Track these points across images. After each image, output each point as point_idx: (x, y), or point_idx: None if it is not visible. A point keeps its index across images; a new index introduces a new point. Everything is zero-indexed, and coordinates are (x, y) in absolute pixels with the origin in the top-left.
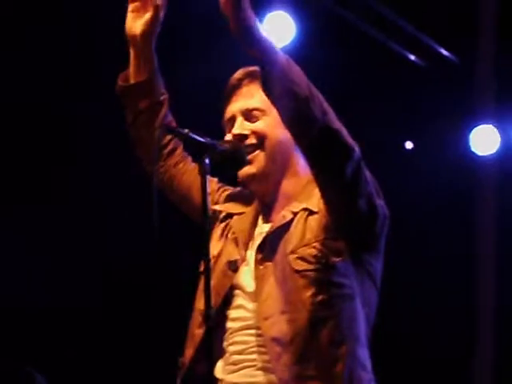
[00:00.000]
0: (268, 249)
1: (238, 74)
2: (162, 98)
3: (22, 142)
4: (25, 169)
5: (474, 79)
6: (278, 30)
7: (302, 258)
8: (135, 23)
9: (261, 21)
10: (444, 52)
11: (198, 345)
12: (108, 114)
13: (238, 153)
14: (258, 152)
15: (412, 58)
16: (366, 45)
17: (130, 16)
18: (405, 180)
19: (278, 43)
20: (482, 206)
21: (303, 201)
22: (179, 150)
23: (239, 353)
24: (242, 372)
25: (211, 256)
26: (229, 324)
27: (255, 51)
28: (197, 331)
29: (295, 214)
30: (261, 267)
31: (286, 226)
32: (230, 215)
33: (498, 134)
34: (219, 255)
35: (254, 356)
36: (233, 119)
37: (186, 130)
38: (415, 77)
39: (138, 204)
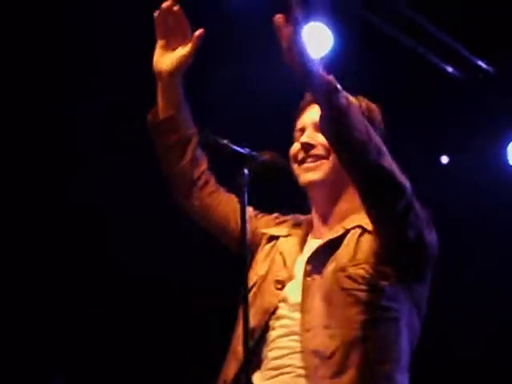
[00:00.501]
0: (317, 261)
1: None
2: (190, 132)
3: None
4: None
5: None
6: (315, 41)
7: (351, 278)
8: (163, 58)
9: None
10: (481, 64)
11: (241, 362)
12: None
13: (279, 163)
14: (323, 161)
15: (449, 69)
16: (404, 57)
17: (158, 51)
18: (442, 194)
19: (315, 54)
20: None
21: (356, 219)
22: (212, 182)
23: (279, 358)
24: (280, 378)
25: (259, 276)
26: (271, 333)
27: (315, 94)
28: (239, 348)
29: (348, 230)
30: (308, 279)
31: (338, 241)
32: (275, 237)
33: None
34: (266, 274)
35: (293, 361)
36: (303, 129)
37: (226, 141)
38: (452, 89)
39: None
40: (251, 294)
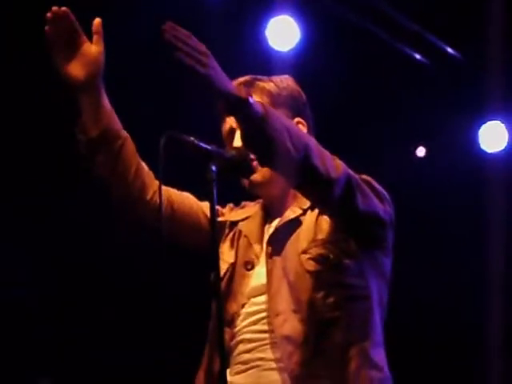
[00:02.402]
0: (278, 243)
1: None
2: (120, 141)
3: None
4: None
5: (481, 77)
6: (283, 34)
7: (314, 259)
8: (75, 66)
9: (265, 25)
10: (450, 50)
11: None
12: None
13: (245, 160)
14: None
15: (418, 57)
16: (372, 46)
17: (61, 62)
18: (415, 180)
19: (282, 48)
20: (492, 203)
21: None
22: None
23: (248, 351)
24: (250, 372)
25: (229, 263)
26: (240, 322)
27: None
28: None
29: (305, 210)
30: (270, 261)
31: (296, 222)
32: (235, 223)
33: (506, 130)
34: (236, 260)
35: (264, 354)
36: (232, 131)
37: (192, 138)
38: (421, 76)
39: None
40: (224, 282)
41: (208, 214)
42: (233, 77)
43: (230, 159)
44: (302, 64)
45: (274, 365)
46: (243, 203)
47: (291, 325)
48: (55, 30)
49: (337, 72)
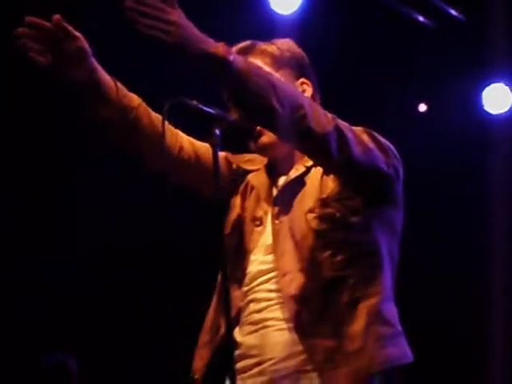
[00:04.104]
0: (284, 202)
1: None
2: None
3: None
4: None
5: (485, 38)
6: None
7: (321, 218)
8: (70, 69)
9: None
10: (453, 12)
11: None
12: None
13: (248, 123)
14: None
15: (420, 18)
16: (374, 8)
17: (59, 68)
18: (418, 140)
19: (285, 11)
20: (496, 165)
21: None
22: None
23: (259, 311)
24: (262, 332)
25: (237, 215)
26: (249, 280)
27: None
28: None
29: (308, 168)
30: (277, 221)
31: (300, 180)
32: (246, 172)
33: (510, 92)
34: (244, 213)
35: (274, 314)
36: None
37: (195, 102)
38: (424, 38)
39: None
40: (233, 235)
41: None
42: (235, 41)
43: (233, 123)
44: (304, 27)
45: (283, 325)
46: (246, 155)
47: (298, 284)
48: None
49: (339, 34)
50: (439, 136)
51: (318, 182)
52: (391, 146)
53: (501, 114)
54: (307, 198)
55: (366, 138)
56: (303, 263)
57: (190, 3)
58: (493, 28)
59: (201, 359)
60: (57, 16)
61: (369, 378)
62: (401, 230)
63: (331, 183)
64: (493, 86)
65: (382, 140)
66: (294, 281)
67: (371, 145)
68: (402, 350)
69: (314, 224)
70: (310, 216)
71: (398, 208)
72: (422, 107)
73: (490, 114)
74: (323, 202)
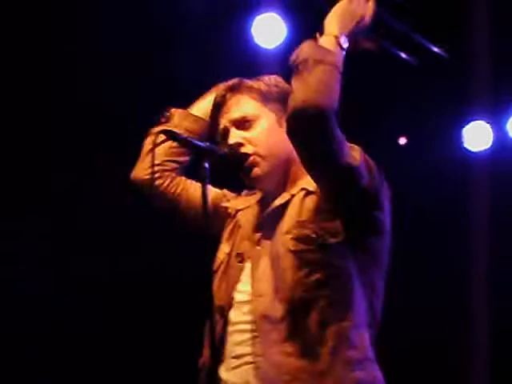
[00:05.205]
0: (266, 229)
1: (220, 90)
2: None
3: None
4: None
5: (466, 76)
6: (269, 31)
7: (297, 239)
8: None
9: (251, 23)
10: (435, 49)
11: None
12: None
13: (237, 156)
14: (255, 157)
15: (403, 55)
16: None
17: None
18: (397, 175)
19: (268, 45)
20: (475, 202)
21: (300, 184)
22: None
23: (239, 344)
24: (242, 368)
25: (225, 254)
26: (231, 312)
27: None
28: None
29: (293, 195)
30: (258, 247)
31: (284, 207)
32: (236, 211)
33: (490, 130)
34: (231, 252)
35: (253, 349)
36: (226, 130)
37: (186, 135)
38: (407, 73)
39: None
40: (220, 272)
41: (214, 200)
42: (221, 75)
43: (223, 156)
44: (288, 61)
45: (262, 361)
46: (245, 191)
47: (271, 304)
48: None
49: None
50: (418, 170)
51: (298, 205)
52: (376, 167)
53: (481, 152)
54: (286, 220)
55: (356, 153)
56: (277, 283)
57: (178, 38)
58: (475, 66)
59: None
60: None
61: None
62: (387, 261)
63: (312, 204)
64: (474, 123)
65: (369, 158)
66: (268, 301)
67: (358, 158)
68: (370, 374)
69: (291, 245)
70: (287, 237)
71: (382, 238)
72: (402, 140)
73: (470, 152)
74: (301, 224)
